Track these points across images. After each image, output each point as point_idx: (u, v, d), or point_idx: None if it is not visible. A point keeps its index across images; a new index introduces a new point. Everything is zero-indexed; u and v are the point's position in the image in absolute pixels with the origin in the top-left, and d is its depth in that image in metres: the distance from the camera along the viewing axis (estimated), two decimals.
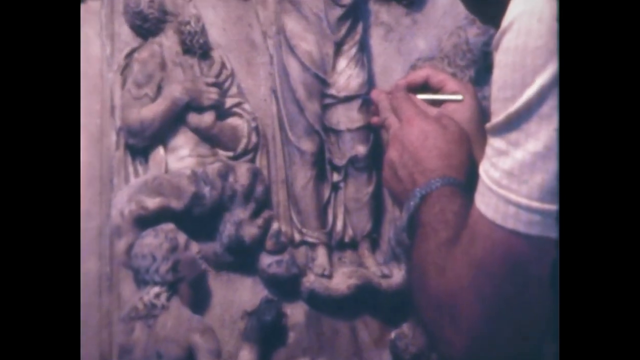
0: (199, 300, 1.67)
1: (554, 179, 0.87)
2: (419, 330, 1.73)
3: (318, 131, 1.75)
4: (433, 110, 1.27)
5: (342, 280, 1.74)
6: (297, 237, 1.78)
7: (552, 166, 0.88)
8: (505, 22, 0.92)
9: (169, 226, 1.61)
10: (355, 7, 1.79)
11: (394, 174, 1.19)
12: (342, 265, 1.79)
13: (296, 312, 1.75)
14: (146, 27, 1.73)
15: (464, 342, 0.96)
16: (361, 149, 1.77)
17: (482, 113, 1.26)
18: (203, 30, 1.75)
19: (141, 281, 1.61)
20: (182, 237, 1.61)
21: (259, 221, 1.70)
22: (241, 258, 1.71)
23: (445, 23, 1.89)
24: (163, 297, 1.59)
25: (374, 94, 1.38)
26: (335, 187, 1.81)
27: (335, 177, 1.80)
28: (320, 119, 1.75)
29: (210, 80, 1.74)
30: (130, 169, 1.69)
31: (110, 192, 1.67)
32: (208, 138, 1.73)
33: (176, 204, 1.64)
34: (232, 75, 1.79)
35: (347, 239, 1.81)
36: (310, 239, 1.77)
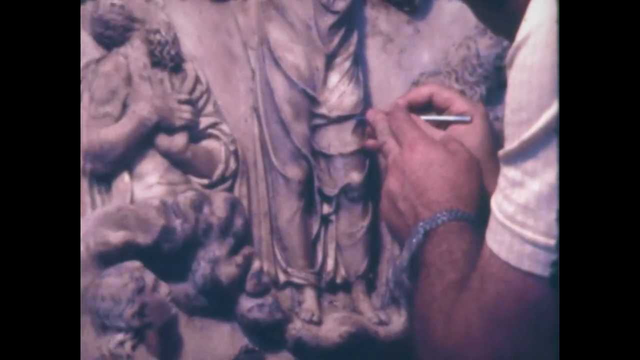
0: (169, 350, 1.67)
1: None
2: None
3: (306, 156, 1.76)
4: (438, 134, 1.27)
5: (333, 328, 1.75)
6: (281, 277, 1.78)
7: None
8: (520, 35, 0.92)
9: (135, 264, 1.61)
10: (350, 14, 1.80)
11: (393, 207, 1.19)
12: (333, 310, 1.79)
13: None
14: (109, 35, 1.73)
15: None
16: (355, 177, 1.78)
17: (495, 137, 1.26)
18: (175, 40, 1.76)
19: (102, 327, 1.61)
20: (149, 277, 1.61)
21: (238, 259, 1.71)
22: (217, 301, 1.71)
23: (453, 33, 1.90)
24: (127, 346, 1.58)
25: (371, 114, 1.37)
26: (325, 221, 1.82)
27: (326, 209, 1.81)
28: (308, 142, 1.76)
29: (183, 97, 1.74)
30: (88, 200, 1.68)
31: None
32: (180, 163, 1.74)
33: (143, 239, 1.64)
34: (207, 91, 1.79)
35: (339, 280, 1.81)
36: (296, 280, 1.77)
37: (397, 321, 1.76)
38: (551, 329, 0.90)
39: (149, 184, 1.70)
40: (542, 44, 0.89)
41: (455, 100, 1.32)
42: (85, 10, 1.71)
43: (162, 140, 1.72)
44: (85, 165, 1.68)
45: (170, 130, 1.72)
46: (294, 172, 1.77)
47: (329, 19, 1.78)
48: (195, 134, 1.76)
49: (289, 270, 1.77)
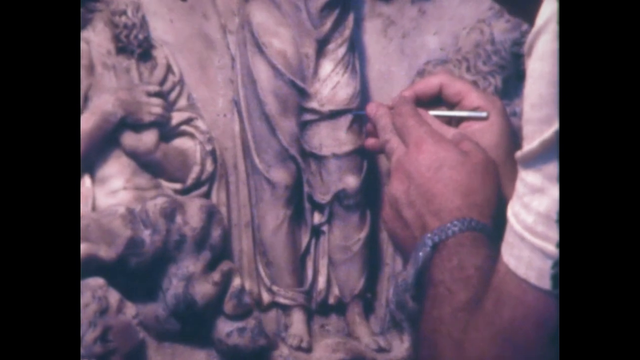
0: None
1: None
2: None
3: (294, 157, 1.77)
4: (449, 131, 1.27)
5: (324, 355, 1.75)
6: (265, 297, 1.79)
7: None
8: (541, 18, 0.91)
9: (97, 281, 1.62)
10: None
11: (397, 215, 1.20)
12: (325, 335, 1.80)
13: None
14: None
15: None
16: (351, 181, 1.78)
17: (513, 136, 1.26)
18: (143, 23, 1.76)
19: None
20: (114, 296, 1.62)
21: (215, 276, 1.71)
22: (191, 324, 1.72)
23: (464, 14, 1.90)
24: None
25: (371, 109, 1.36)
26: (316, 232, 1.82)
27: (317, 218, 1.81)
28: (297, 141, 1.77)
29: (153, 88, 1.74)
30: None
31: None
32: (149, 165, 1.74)
33: (106, 253, 1.64)
34: (181, 82, 1.80)
35: (331, 301, 1.82)
36: (282, 300, 1.78)
37: (399, 348, 1.77)
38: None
39: (113, 189, 1.71)
40: None
41: (468, 93, 1.32)
42: None
43: (129, 138, 1.72)
44: None
45: (138, 127, 1.72)
46: (280, 175, 1.77)
47: None
48: (167, 131, 1.76)
49: (274, 289, 1.78)
